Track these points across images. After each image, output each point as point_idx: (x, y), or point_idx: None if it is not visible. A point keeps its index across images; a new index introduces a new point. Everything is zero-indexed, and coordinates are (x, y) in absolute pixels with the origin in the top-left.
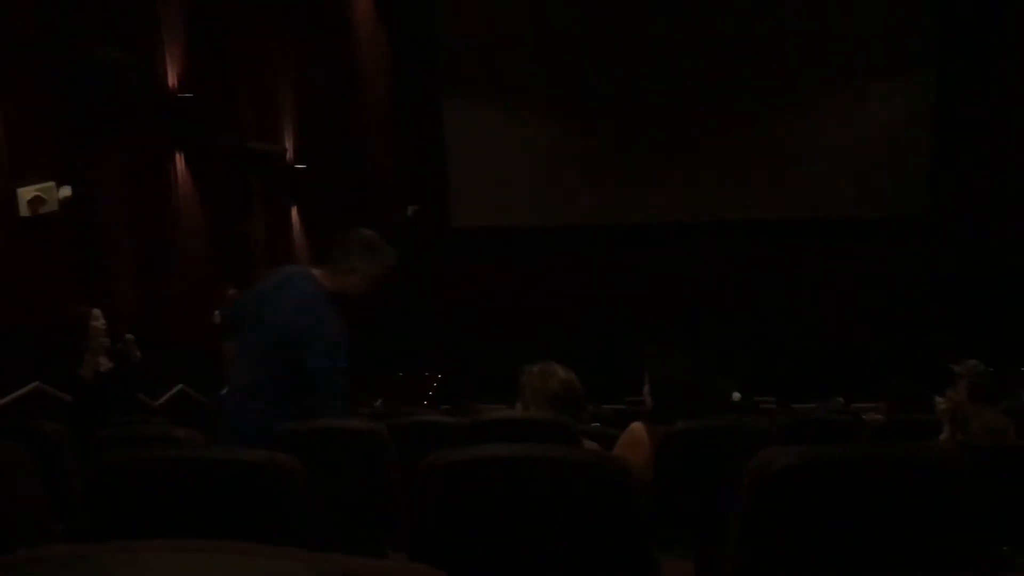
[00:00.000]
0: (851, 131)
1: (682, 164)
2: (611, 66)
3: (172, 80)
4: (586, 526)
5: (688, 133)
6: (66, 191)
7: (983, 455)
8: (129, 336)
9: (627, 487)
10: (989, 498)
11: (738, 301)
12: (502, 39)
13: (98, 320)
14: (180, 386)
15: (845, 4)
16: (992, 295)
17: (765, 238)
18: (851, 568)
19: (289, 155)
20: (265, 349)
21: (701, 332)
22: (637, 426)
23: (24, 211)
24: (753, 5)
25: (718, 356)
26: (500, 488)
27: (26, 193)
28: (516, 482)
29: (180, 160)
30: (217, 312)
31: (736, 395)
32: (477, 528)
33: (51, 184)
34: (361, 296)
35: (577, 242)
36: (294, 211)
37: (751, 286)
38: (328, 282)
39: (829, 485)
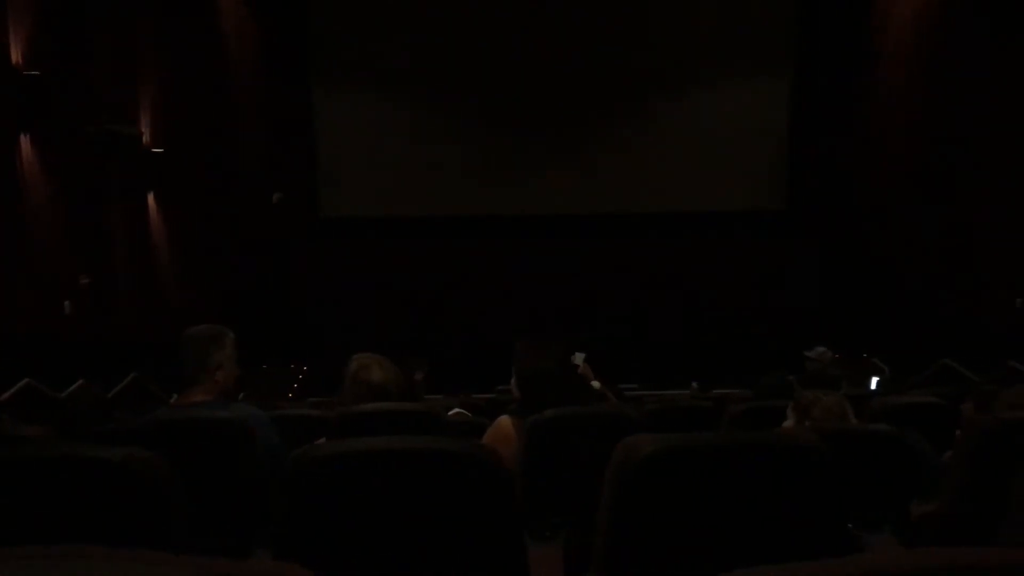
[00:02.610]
0: (716, 127)
1: (551, 157)
2: (486, 56)
3: (16, 57)
4: (457, 517)
5: (556, 127)
6: None
7: (832, 438)
8: None
9: (499, 476)
10: (839, 480)
11: (606, 291)
12: (375, 24)
13: None
14: (27, 380)
15: (713, 4)
16: (847, 286)
17: (633, 230)
18: (715, 551)
19: (146, 139)
20: None
21: (571, 321)
22: (504, 420)
23: None
24: (628, 3)
25: (585, 346)
26: (371, 482)
27: None
28: (387, 475)
29: (26, 142)
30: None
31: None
32: (347, 524)
33: None
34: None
35: (448, 232)
36: (151, 198)
37: (619, 276)
38: (213, 394)
39: (693, 470)
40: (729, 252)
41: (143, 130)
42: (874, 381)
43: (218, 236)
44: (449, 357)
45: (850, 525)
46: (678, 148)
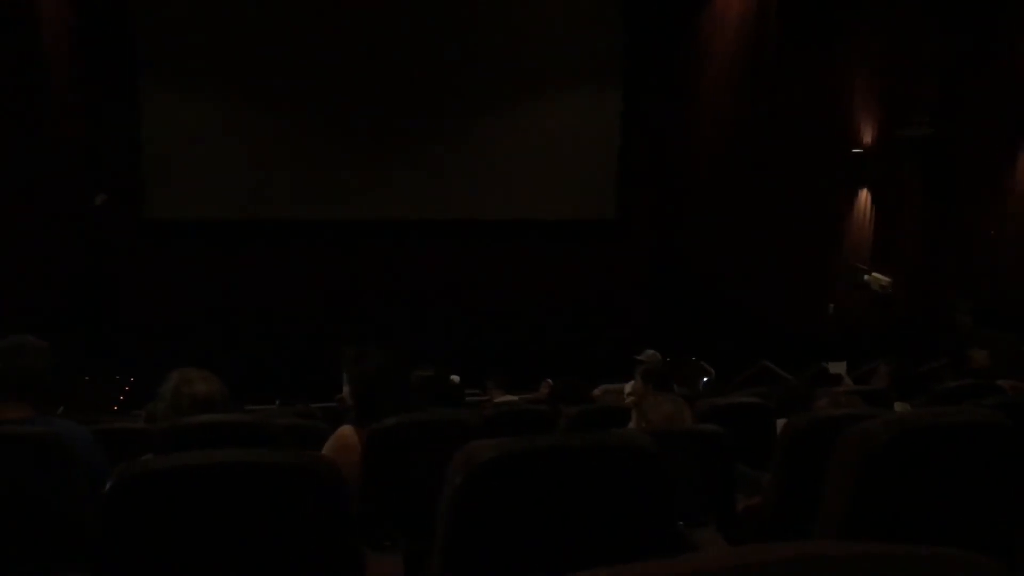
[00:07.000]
0: (551, 137)
1: (392, 163)
2: (321, 59)
3: None
4: (292, 530)
5: (392, 134)
6: None
7: (663, 439)
8: None
9: (333, 487)
10: (672, 479)
11: (445, 298)
12: (206, 14)
13: None
14: None
15: (549, 18)
16: (675, 293)
17: (470, 237)
18: (553, 554)
19: None
20: None
21: (409, 329)
22: (346, 429)
23: None
24: (464, 13)
25: (428, 351)
26: (202, 498)
27: None
28: (219, 490)
29: None
30: None
31: (455, 378)
32: (177, 543)
33: None
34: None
35: (284, 237)
36: None
37: (456, 283)
38: (28, 410)
39: (531, 474)
40: (562, 260)
41: None
42: (702, 382)
43: (33, 240)
44: (287, 365)
45: (680, 523)
46: (513, 157)
